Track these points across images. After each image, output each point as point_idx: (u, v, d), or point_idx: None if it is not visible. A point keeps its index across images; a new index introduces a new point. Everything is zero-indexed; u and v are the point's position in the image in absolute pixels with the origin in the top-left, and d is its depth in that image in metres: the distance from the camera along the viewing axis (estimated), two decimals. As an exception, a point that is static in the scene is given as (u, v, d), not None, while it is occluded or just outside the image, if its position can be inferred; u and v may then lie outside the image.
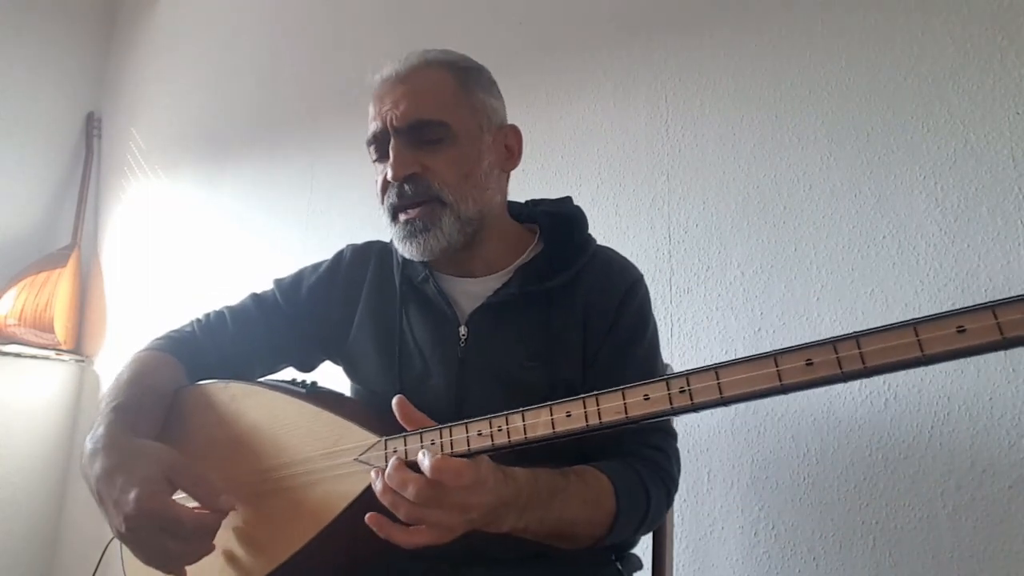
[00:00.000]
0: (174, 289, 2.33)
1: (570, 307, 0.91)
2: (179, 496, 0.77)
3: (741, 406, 1.28)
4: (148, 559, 0.75)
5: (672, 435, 0.92)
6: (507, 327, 0.90)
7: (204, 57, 2.51)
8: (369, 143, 0.93)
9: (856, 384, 1.18)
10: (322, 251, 1.09)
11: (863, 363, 0.49)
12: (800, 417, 1.22)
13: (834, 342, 0.50)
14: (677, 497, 1.28)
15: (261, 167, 2.23)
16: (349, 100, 2.03)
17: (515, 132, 0.99)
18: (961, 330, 0.46)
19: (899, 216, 1.19)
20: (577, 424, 0.61)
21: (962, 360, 1.18)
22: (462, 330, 0.91)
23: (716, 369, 0.55)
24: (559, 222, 0.99)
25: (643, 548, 0.98)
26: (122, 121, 2.70)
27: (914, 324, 0.48)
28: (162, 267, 2.41)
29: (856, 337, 0.49)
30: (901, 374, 1.14)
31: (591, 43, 1.61)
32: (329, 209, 2.01)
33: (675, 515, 1.14)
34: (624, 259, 0.99)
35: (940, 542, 1.08)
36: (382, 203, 0.92)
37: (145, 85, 2.68)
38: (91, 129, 2.73)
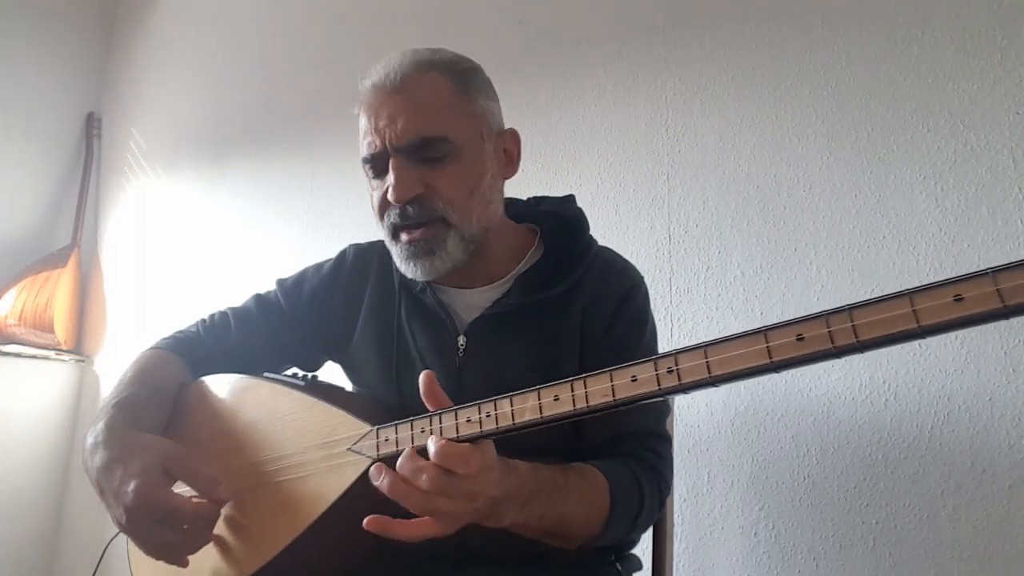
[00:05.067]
0: (174, 289, 2.33)
1: (569, 314, 0.89)
2: (179, 488, 0.78)
3: (742, 406, 1.28)
4: (149, 550, 0.76)
5: (667, 440, 0.91)
6: (506, 337, 0.89)
7: (204, 57, 2.51)
8: (366, 161, 0.87)
9: (856, 384, 1.18)
10: (322, 251, 1.09)
11: (856, 337, 0.46)
12: (800, 417, 1.22)
13: (827, 316, 0.48)
14: (677, 497, 1.29)
15: (261, 167, 2.23)
16: (349, 99, 2.02)
17: (514, 136, 0.94)
18: (959, 299, 0.43)
19: (899, 216, 1.19)
20: (565, 408, 0.59)
21: (962, 360, 1.18)
22: (460, 340, 0.90)
23: (705, 348, 0.52)
24: (560, 226, 0.97)
25: (643, 548, 0.98)
26: (122, 121, 2.70)
27: (909, 294, 0.45)
28: (162, 267, 2.40)
29: (849, 309, 0.47)
30: (902, 372, 1.14)
31: (591, 43, 1.61)
32: (329, 209, 2.01)
33: (675, 515, 1.14)
34: (624, 261, 0.98)
35: (940, 542, 1.08)
36: (380, 221, 0.88)
37: (145, 85, 2.68)
38: (91, 129, 2.73)
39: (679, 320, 1.37)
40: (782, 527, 1.21)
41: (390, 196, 0.84)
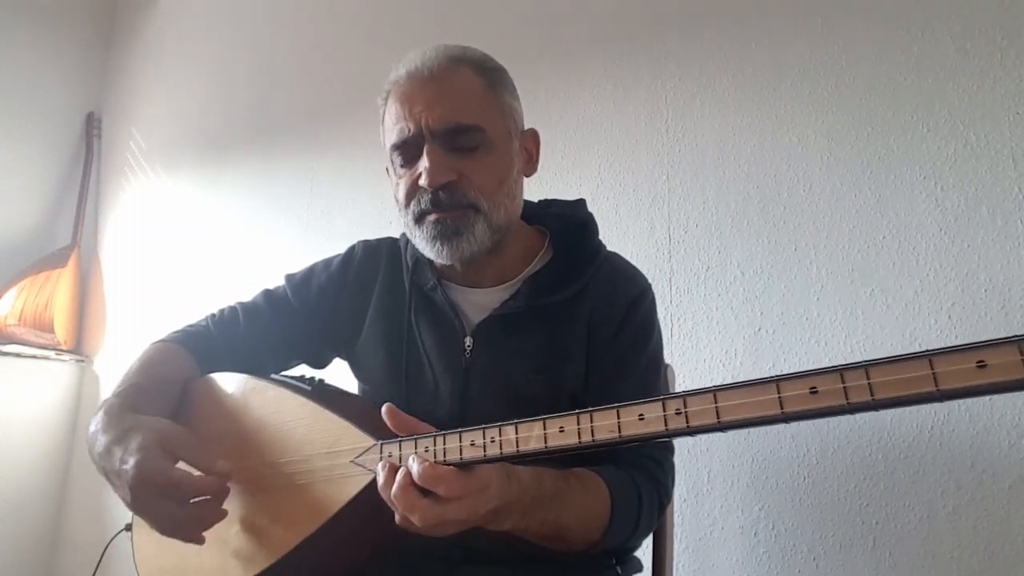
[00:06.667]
0: (174, 289, 2.33)
1: (576, 318, 0.90)
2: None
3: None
4: (162, 528, 0.76)
5: (670, 449, 0.91)
6: (513, 339, 0.89)
7: (204, 57, 2.51)
8: (396, 147, 0.87)
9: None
10: (322, 251, 1.09)
11: (871, 395, 0.45)
12: (800, 417, 1.22)
13: (841, 370, 0.47)
14: (677, 497, 1.29)
15: (261, 167, 2.23)
16: (349, 99, 2.03)
17: (535, 136, 0.97)
18: (982, 365, 0.42)
19: (899, 216, 1.19)
20: (569, 440, 0.60)
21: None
22: (467, 341, 0.90)
23: (715, 392, 0.52)
24: (570, 229, 0.97)
25: (643, 548, 0.98)
26: (122, 121, 2.70)
27: (929, 356, 0.44)
28: (162, 267, 2.40)
29: (865, 367, 0.46)
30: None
31: (591, 43, 1.61)
32: (329, 209, 2.01)
33: (675, 515, 1.14)
34: (632, 268, 0.98)
35: (940, 542, 1.08)
36: (405, 208, 0.88)
37: (145, 85, 2.68)
38: (91, 129, 2.72)
39: (679, 320, 1.37)
40: (782, 527, 1.21)
41: (422, 181, 0.84)
